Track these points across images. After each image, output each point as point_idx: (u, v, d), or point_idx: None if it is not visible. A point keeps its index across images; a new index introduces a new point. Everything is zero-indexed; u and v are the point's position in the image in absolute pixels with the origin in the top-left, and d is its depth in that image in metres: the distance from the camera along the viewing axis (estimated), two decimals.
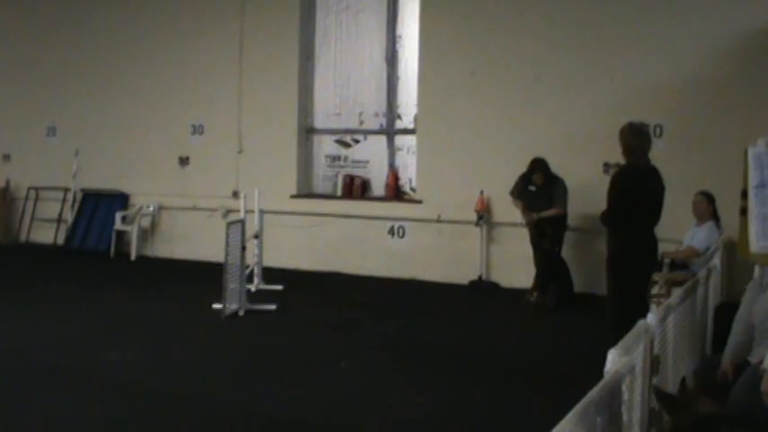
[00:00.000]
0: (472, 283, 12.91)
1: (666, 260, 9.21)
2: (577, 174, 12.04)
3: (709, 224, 9.50)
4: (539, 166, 11.54)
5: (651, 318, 4.72)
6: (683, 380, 5.92)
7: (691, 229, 9.70)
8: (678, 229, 9.87)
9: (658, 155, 11.53)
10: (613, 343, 3.86)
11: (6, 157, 17.62)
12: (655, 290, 8.84)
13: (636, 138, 7.80)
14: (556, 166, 11.77)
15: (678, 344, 5.77)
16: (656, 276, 8.87)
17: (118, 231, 15.69)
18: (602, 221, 7.90)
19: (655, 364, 4.67)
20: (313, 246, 14.01)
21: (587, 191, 11.85)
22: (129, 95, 15.96)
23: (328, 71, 14.74)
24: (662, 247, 9.60)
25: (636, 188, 7.62)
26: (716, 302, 7.99)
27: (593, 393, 3.27)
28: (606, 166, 11.58)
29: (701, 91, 11.47)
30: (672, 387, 5.60)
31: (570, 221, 11.72)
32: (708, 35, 11.55)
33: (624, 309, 7.12)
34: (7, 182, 17.31)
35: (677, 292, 6.25)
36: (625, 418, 3.88)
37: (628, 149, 7.78)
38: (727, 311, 7.77)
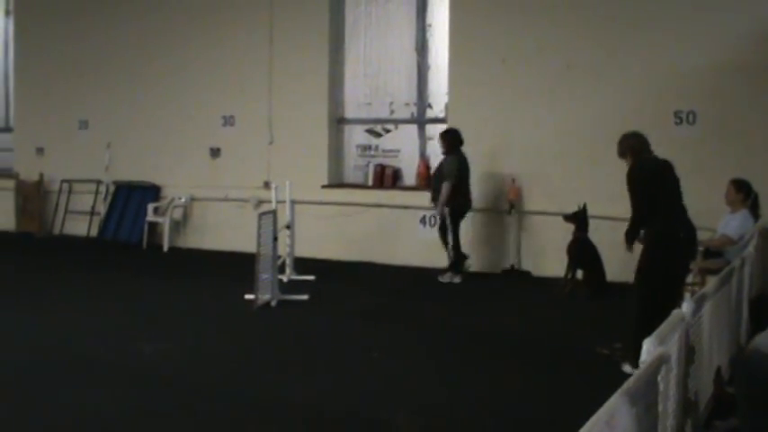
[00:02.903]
0: (504, 271, 12.87)
1: (700, 248, 9.12)
2: (609, 161, 11.92)
3: (744, 212, 9.39)
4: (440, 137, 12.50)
5: (686, 307, 4.68)
6: (719, 369, 5.88)
7: (725, 216, 9.60)
8: (713, 217, 9.77)
9: (691, 142, 11.56)
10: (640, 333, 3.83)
11: (40, 151, 17.77)
12: (689, 278, 8.78)
13: (634, 138, 7.96)
14: (587, 155, 11.71)
15: (713, 333, 5.72)
16: (690, 265, 8.80)
17: (150, 223, 15.79)
18: (628, 237, 7.72)
19: (690, 353, 4.63)
20: (344, 236, 14.01)
21: (620, 181, 11.76)
22: (159, 88, 16.03)
23: (358, 61, 14.73)
24: (698, 235, 9.55)
25: (655, 177, 7.64)
26: (751, 290, 7.91)
27: (629, 383, 3.24)
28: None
29: (734, 77, 11.33)
30: (707, 377, 5.56)
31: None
32: (740, 20, 11.41)
33: (655, 307, 7.09)
34: (41, 175, 17.45)
35: (712, 281, 6.19)
36: (660, 408, 3.85)
37: (631, 150, 7.88)
38: (763, 301, 7.73)
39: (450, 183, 12.11)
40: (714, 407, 5.67)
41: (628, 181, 7.67)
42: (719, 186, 9.64)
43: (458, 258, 12.35)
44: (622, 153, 7.98)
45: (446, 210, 12.18)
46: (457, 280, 12.26)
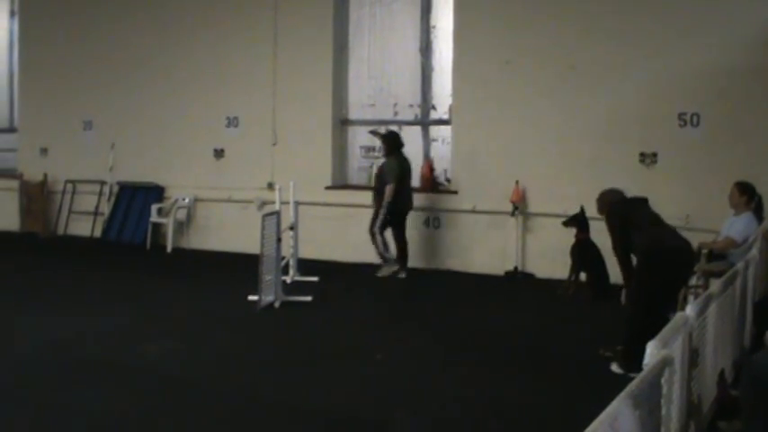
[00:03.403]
0: (508, 273, 12.87)
1: (704, 251, 9.11)
2: (613, 163, 11.97)
3: (748, 214, 9.35)
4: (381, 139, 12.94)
5: (690, 310, 4.67)
6: (722, 372, 5.87)
7: (729, 219, 9.58)
8: (717, 220, 9.78)
9: (695, 144, 11.56)
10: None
11: (44, 151, 17.80)
12: (692, 281, 8.77)
13: (609, 195, 8.35)
14: (591, 157, 11.72)
15: (717, 336, 5.71)
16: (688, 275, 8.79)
17: (154, 224, 15.80)
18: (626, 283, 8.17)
19: (693, 356, 4.63)
20: (348, 237, 14.01)
21: (623, 181, 11.78)
22: (163, 89, 16.05)
23: (362, 62, 14.74)
24: (701, 238, 9.55)
25: (626, 215, 7.90)
26: (755, 293, 7.90)
27: (633, 386, 3.24)
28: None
29: (739, 79, 11.33)
30: (710, 379, 5.56)
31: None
32: (745, 22, 11.41)
33: (647, 311, 7.27)
34: (45, 175, 17.47)
35: (716, 284, 6.18)
36: (664, 410, 3.84)
37: (608, 204, 8.22)
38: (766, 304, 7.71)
39: (392, 185, 12.41)
40: (717, 409, 5.66)
41: (606, 222, 8.10)
42: (723, 189, 9.62)
43: (404, 254, 12.75)
44: (600, 210, 8.40)
45: (386, 211, 12.53)
46: (403, 275, 12.60)
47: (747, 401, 5.11)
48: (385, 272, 12.65)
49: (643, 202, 8.21)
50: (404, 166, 12.77)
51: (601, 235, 11.25)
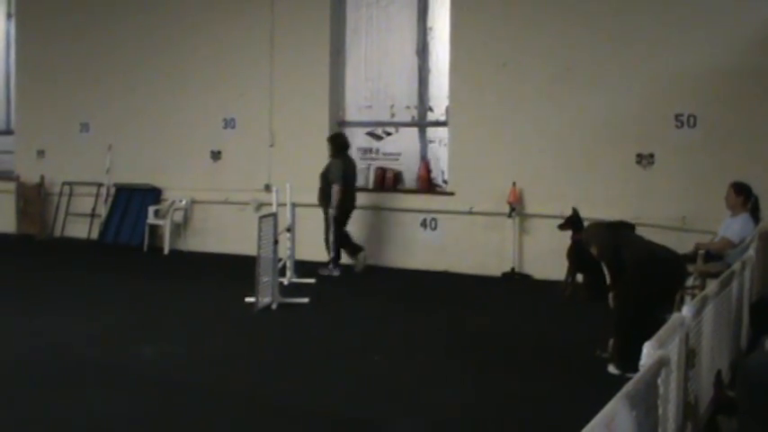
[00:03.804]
0: (505, 274, 12.87)
1: (701, 251, 9.12)
2: (610, 164, 11.99)
3: (744, 215, 9.36)
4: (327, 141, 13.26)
5: (686, 310, 4.68)
6: (719, 373, 5.88)
7: (726, 220, 9.59)
8: (714, 221, 9.80)
9: (692, 145, 11.57)
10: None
11: (41, 153, 17.80)
12: (689, 282, 8.78)
13: (596, 231, 8.51)
14: (588, 158, 11.74)
15: (714, 336, 5.72)
16: (690, 268, 8.80)
17: (151, 225, 15.80)
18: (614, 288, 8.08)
19: (690, 356, 4.64)
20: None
21: (620, 182, 11.82)
22: (160, 91, 16.06)
23: (359, 64, 14.74)
24: (698, 238, 9.57)
25: (613, 244, 7.91)
26: (752, 294, 7.91)
27: (629, 387, 3.24)
28: None
29: (736, 80, 11.35)
30: (707, 380, 5.56)
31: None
32: (741, 23, 11.43)
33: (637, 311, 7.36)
34: (42, 177, 17.47)
35: (712, 285, 6.19)
36: (660, 411, 3.85)
37: (594, 242, 8.21)
38: (764, 305, 7.71)
39: (339, 185, 12.87)
40: (714, 410, 5.66)
41: (602, 259, 8.15)
42: (720, 190, 9.63)
43: (338, 254, 13.13)
44: (586, 243, 8.42)
45: (334, 211, 12.94)
46: (336, 273, 12.94)
47: (743, 402, 5.12)
48: (327, 271, 12.95)
49: (629, 227, 8.38)
50: (349, 167, 13.22)
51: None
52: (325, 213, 13.08)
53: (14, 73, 18.61)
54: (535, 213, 12.74)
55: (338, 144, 13.31)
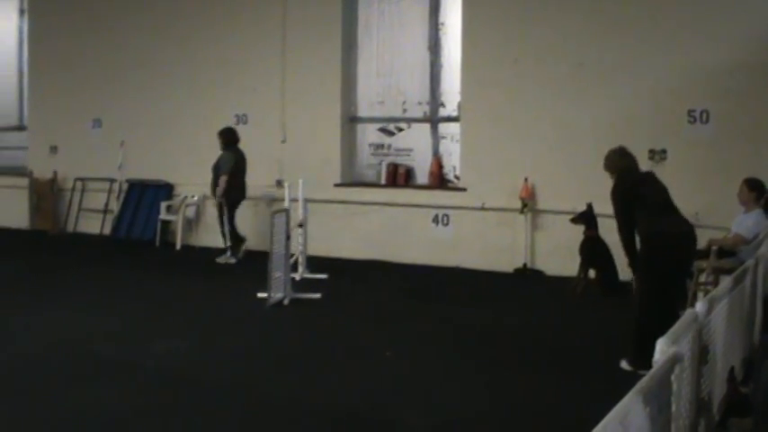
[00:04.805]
0: (517, 270, 12.86)
1: (714, 248, 9.10)
2: None
3: (758, 211, 9.34)
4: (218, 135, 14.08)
5: (699, 307, 4.66)
6: (732, 369, 5.86)
7: (739, 216, 9.56)
8: (727, 216, 9.77)
9: (704, 141, 11.53)
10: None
11: (53, 149, 17.86)
12: (702, 278, 8.76)
13: (621, 158, 8.18)
14: (600, 153, 11.65)
15: (727, 333, 5.70)
16: (703, 264, 8.78)
17: (163, 221, 15.85)
18: (626, 253, 7.94)
19: (703, 353, 4.62)
20: (357, 234, 14.04)
21: None
22: (172, 86, 16.09)
23: (371, 60, 14.74)
24: (711, 235, 9.53)
25: (630, 191, 7.84)
26: (765, 290, 7.88)
27: (643, 383, 3.24)
28: None
29: (748, 76, 11.30)
30: (720, 377, 5.55)
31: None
32: (754, 19, 11.39)
33: (654, 306, 7.32)
34: (55, 173, 17.54)
35: (725, 281, 6.17)
36: (674, 407, 3.84)
37: (617, 171, 8.11)
38: None
39: (226, 176, 13.60)
40: (728, 407, 5.65)
41: (611, 199, 7.96)
42: (733, 185, 9.61)
43: (234, 242, 13.78)
44: (607, 167, 8.24)
45: (223, 200, 13.71)
46: (232, 260, 13.69)
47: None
48: (223, 259, 13.74)
49: (653, 178, 8.17)
50: (238, 159, 13.92)
51: (610, 232, 11.31)
52: (218, 204, 13.86)
53: (27, 69, 18.67)
54: (547, 209, 12.72)
55: (228, 138, 14.05)
